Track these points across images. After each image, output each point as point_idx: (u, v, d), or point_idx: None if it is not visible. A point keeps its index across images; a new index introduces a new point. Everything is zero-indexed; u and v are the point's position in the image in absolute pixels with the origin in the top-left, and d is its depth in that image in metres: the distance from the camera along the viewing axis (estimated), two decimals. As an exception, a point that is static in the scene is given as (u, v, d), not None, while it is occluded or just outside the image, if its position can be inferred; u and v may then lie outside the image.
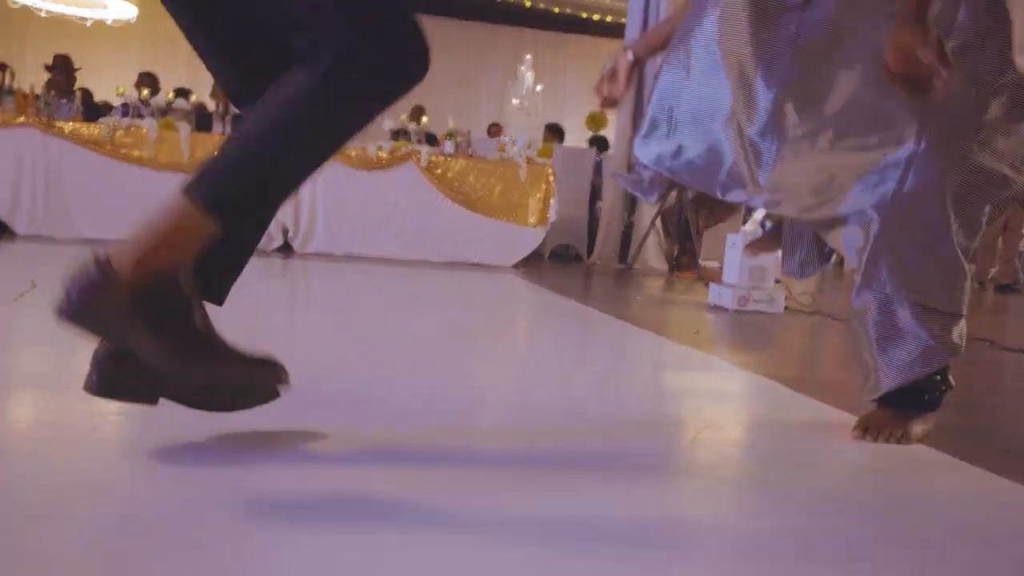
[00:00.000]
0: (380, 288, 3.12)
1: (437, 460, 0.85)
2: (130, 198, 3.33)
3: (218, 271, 0.80)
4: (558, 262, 5.06)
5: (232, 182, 0.72)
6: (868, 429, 1.10)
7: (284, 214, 3.71)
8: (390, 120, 4.07)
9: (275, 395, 0.78)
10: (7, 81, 4.03)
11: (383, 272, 3.47)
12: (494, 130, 5.88)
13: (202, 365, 0.73)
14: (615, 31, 7.00)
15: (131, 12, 6.61)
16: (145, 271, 0.67)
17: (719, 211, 5.54)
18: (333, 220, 3.85)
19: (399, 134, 4.31)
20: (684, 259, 5.56)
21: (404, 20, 0.74)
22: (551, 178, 3.91)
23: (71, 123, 3.69)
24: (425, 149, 3.90)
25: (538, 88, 5.01)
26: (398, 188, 3.86)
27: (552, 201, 3.89)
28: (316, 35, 0.69)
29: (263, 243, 3.42)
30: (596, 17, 7.73)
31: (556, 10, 7.72)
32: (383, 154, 3.81)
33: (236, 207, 0.72)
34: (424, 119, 4.67)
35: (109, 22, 6.92)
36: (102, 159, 3.62)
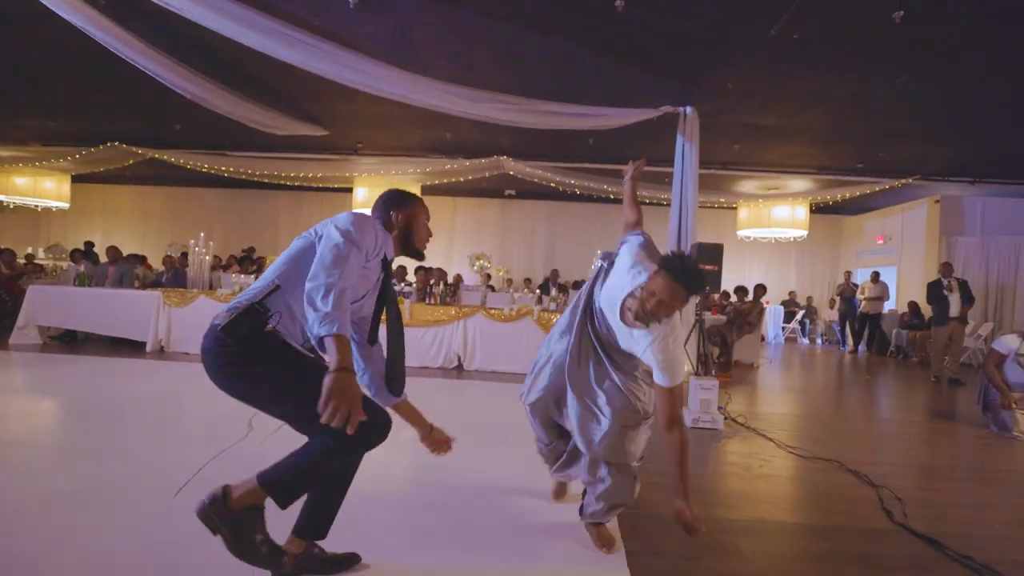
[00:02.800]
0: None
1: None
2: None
3: (321, 516, 1.82)
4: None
5: (281, 482, 1.63)
6: None
7: (459, 346, 6.42)
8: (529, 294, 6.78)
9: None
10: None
11: (500, 387, 5.84)
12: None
13: (247, 557, 1.62)
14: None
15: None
16: (240, 504, 1.59)
17: (744, 331, 7.52)
18: (486, 350, 6.47)
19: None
20: (722, 360, 7.50)
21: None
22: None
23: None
24: (537, 308, 6.47)
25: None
26: (521, 331, 6.42)
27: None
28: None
29: (449, 362, 6.17)
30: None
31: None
32: (512, 312, 6.44)
33: (279, 492, 1.62)
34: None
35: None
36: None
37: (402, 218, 1.89)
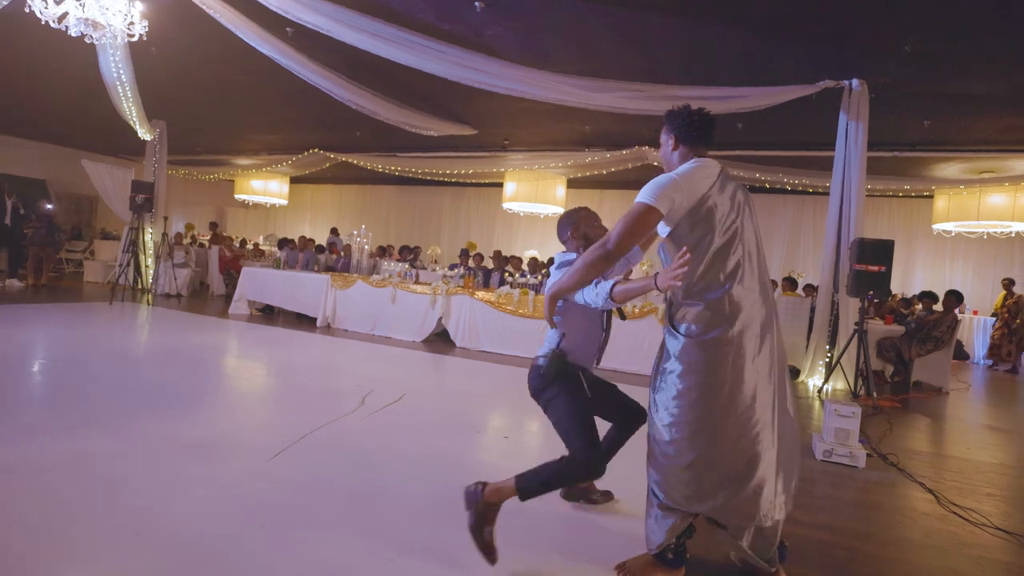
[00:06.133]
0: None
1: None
2: (506, 330, 6.64)
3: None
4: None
5: (530, 485, 2.03)
6: (626, 567, 1.98)
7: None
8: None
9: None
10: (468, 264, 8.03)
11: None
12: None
13: (477, 538, 1.99)
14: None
15: (560, 209, 11.25)
16: (489, 499, 2.03)
17: (928, 346, 6.32)
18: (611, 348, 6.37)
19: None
20: (897, 380, 6.37)
21: (594, 443, 2.04)
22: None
23: (479, 292, 7.26)
24: (663, 306, 6.16)
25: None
26: (645, 330, 6.19)
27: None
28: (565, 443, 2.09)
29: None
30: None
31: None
32: (636, 309, 6.24)
33: (526, 493, 2.03)
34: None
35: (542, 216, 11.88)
36: (492, 310, 7.03)
37: (577, 233, 2.29)
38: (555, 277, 2.17)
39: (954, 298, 6.62)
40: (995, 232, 8.78)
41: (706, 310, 1.84)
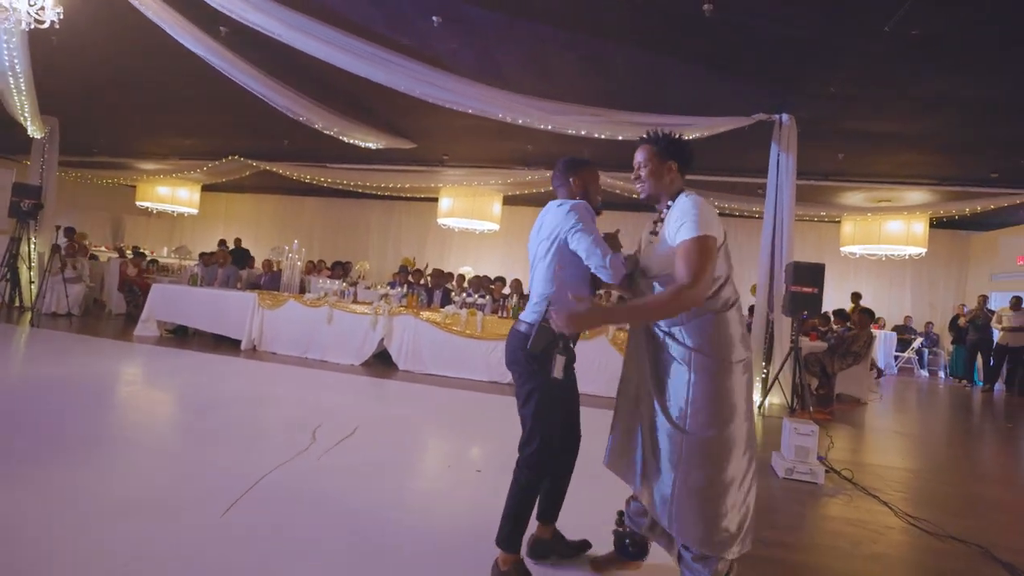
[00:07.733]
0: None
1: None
2: (453, 352, 6.43)
3: (555, 498, 2.25)
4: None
5: (508, 530, 2.03)
6: None
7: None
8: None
9: None
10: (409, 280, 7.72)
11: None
12: None
13: None
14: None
15: (495, 226, 11.13)
16: (507, 568, 2.01)
17: (848, 361, 6.77)
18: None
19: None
20: (822, 392, 6.78)
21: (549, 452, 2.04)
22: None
23: (426, 311, 7.02)
24: (613, 328, 6.25)
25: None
26: (596, 350, 6.23)
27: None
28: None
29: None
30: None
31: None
32: (588, 333, 6.27)
33: (512, 539, 2.02)
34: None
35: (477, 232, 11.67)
36: (438, 331, 6.80)
37: (579, 182, 2.19)
38: (568, 219, 2.01)
39: (867, 316, 7.22)
40: (892, 255, 9.78)
41: (715, 332, 1.82)
